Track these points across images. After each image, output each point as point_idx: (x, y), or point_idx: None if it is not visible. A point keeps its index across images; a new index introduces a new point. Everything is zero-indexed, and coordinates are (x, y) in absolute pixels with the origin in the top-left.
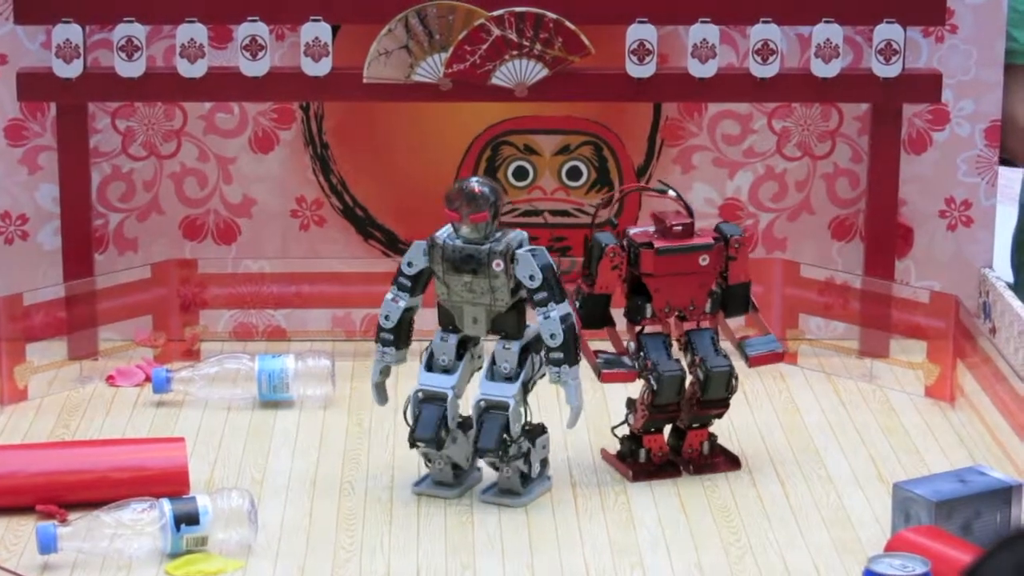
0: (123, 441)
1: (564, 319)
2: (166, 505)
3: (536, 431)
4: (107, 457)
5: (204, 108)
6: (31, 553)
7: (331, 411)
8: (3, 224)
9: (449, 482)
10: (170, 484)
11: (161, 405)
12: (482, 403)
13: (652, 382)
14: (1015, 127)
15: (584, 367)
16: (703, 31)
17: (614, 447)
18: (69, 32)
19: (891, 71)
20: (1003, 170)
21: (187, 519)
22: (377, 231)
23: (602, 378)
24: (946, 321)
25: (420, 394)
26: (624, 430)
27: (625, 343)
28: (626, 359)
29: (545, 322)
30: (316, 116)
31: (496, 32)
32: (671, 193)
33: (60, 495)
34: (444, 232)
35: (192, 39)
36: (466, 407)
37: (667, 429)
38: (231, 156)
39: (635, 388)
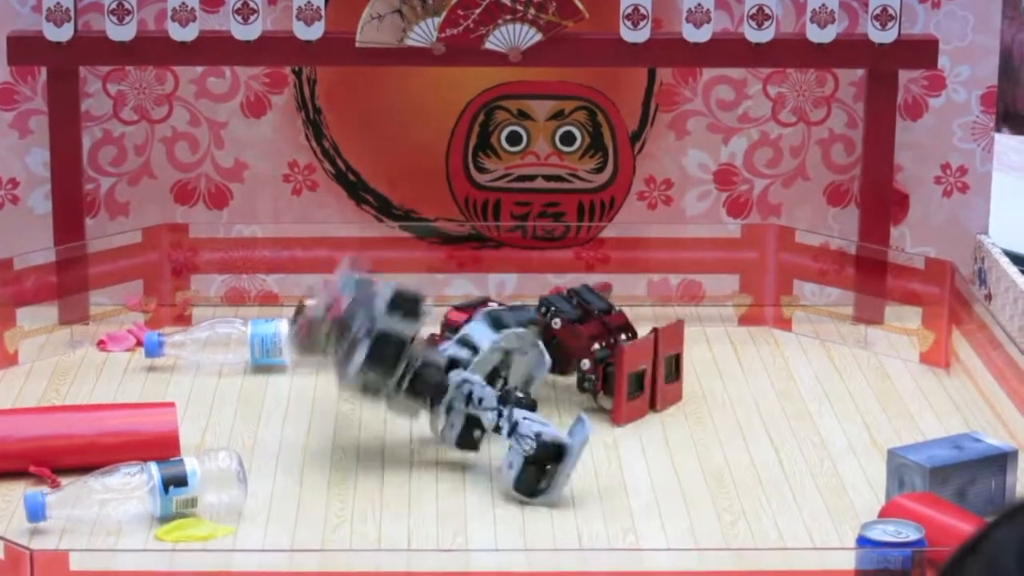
0: (114, 406)
1: None
2: (154, 468)
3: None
4: (97, 422)
5: (195, 72)
6: (20, 518)
7: (323, 376)
8: None
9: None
10: (161, 449)
11: (152, 370)
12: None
13: None
14: None
15: None
16: None
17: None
18: None
19: (887, 36)
20: (999, 137)
21: (175, 481)
22: (369, 196)
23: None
24: (941, 287)
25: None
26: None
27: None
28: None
29: None
30: (308, 80)
31: None
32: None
33: (50, 460)
34: None
35: (183, 3)
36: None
37: None
38: (223, 120)
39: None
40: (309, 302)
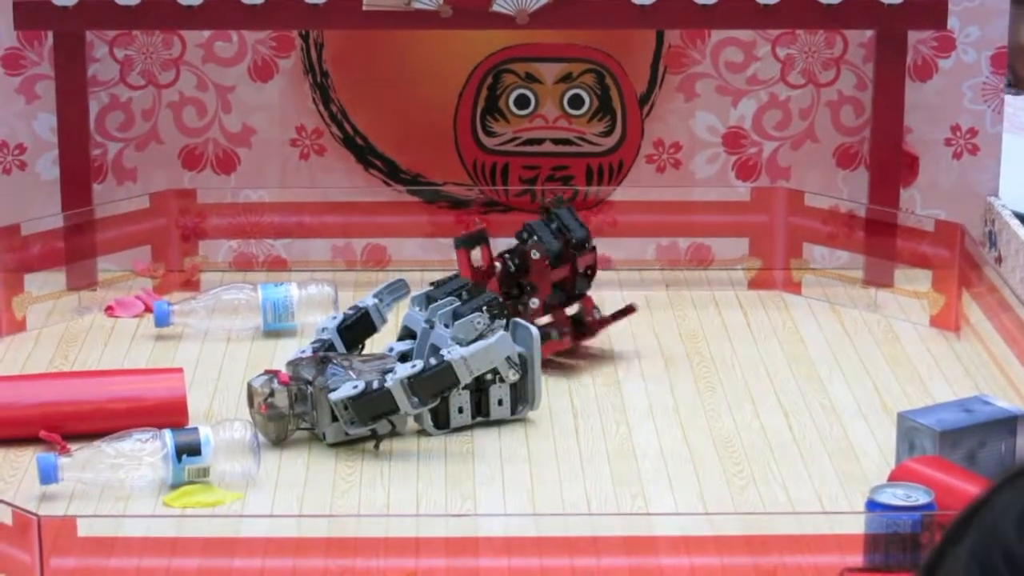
0: (121, 372)
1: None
2: (167, 436)
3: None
4: (105, 388)
5: (203, 36)
6: (28, 484)
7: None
8: (1, 154)
9: None
10: (169, 415)
11: (161, 336)
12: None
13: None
14: None
15: None
16: None
17: None
18: None
19: None
20: (1010, 98)
21: (188, 449)
22: (378, 160)
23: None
24: (951, 250)
25: None
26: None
27: None
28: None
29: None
30: (316, 44)
31: None
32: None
33: (58, 426)
34: None
35: None
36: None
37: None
38: (230, 85)
39: None
40: (255, 383)
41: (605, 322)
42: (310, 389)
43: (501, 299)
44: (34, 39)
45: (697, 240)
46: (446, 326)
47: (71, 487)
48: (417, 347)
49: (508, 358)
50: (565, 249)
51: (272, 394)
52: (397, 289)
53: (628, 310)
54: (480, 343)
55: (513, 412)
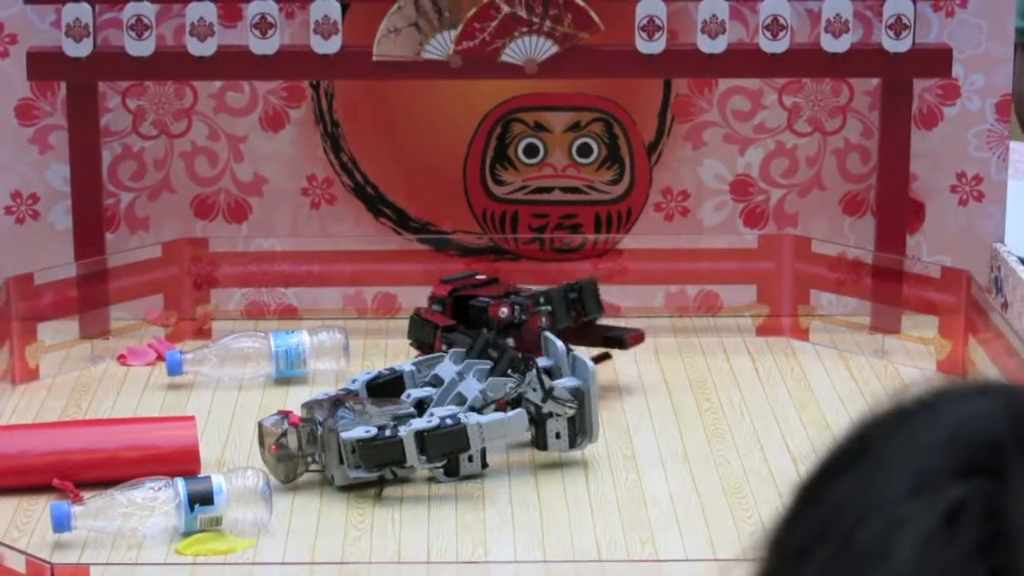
0: (133, 420)
1: None
2: (180, 484)
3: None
4: (117, 436)
5: (214, 87)
6: (42, 532)
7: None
8: (14, 204)
9: None
10: (181, 463)
11: (172, 384)
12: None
13: None
14: None
15: None
16: (712, 6)
17: None
18: (79, 11)
19: (901, 46)
20: (1015, 145)
21: (201, 498)
22: (388, 209)
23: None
24: (957, 296)
25: None
26: None
27: None
28: None
29: None
30: (326, 94)
31: (505, 9)
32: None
33: (71, 474)
34: None
35: (202, 17)
36: None
37: None
38: (241, 134)
39: None
40: (266, 423)
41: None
42: (320, 430)
43: (531, 361)
44: (47, 90)
45: (705, 287)
46: (477, 380)
47: (84, 535)
48: (441, 394)
49: (566, 391)
50: (573, 327)
51: (284, 435)
52: (436, 362)
53: (603, 357)
54: (497, 415)
55: (572, 446)
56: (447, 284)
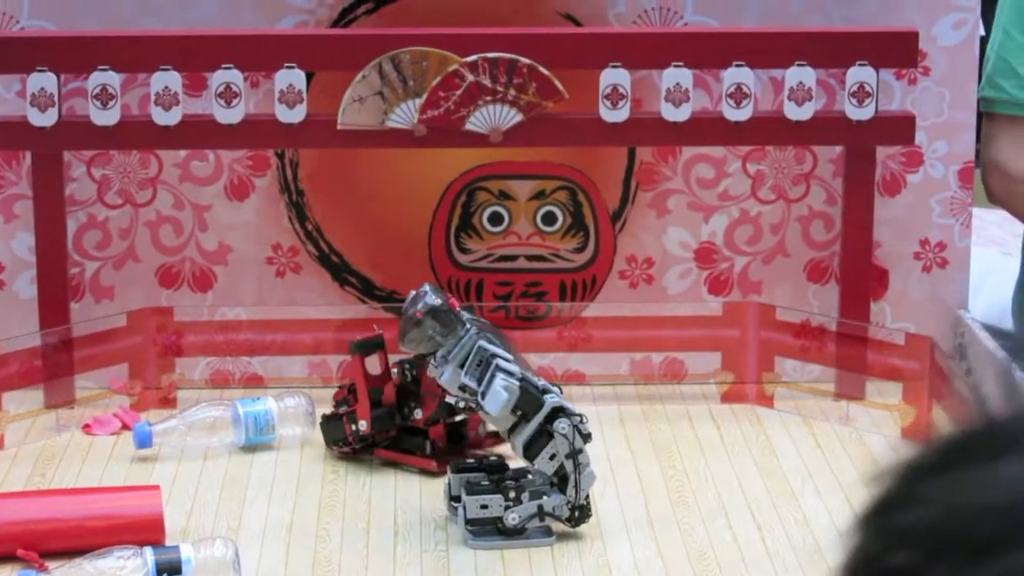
0: (98, 489)
1: None
2: (149, 554)
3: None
4: (82, 505)
5: (179, 156)
6: None
7: (307, 456)
8: None
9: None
10: (146, 532)
11: (138, 454)
12: None
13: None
14: (1002, 175)
15: None
16: (676, 75)
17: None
18: (44, 80)
19: (864, 113)
20: (977, 211)
21: (169, 568)
22: (353, 277)
23: None
24: (922, 363)
25: None
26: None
27: None
28: None
29: None
30: (291, 163)
31: (470, 78)
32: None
33: (35, 543)
34: None
35: (167, 87)
36: None
37: None
38: (206, 203)
39: None
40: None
41: (485, 443)
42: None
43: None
44: (12, 159)
45: (670, 355)
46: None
47: None
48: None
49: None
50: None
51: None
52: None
53: None
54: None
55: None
56: (343, 388)
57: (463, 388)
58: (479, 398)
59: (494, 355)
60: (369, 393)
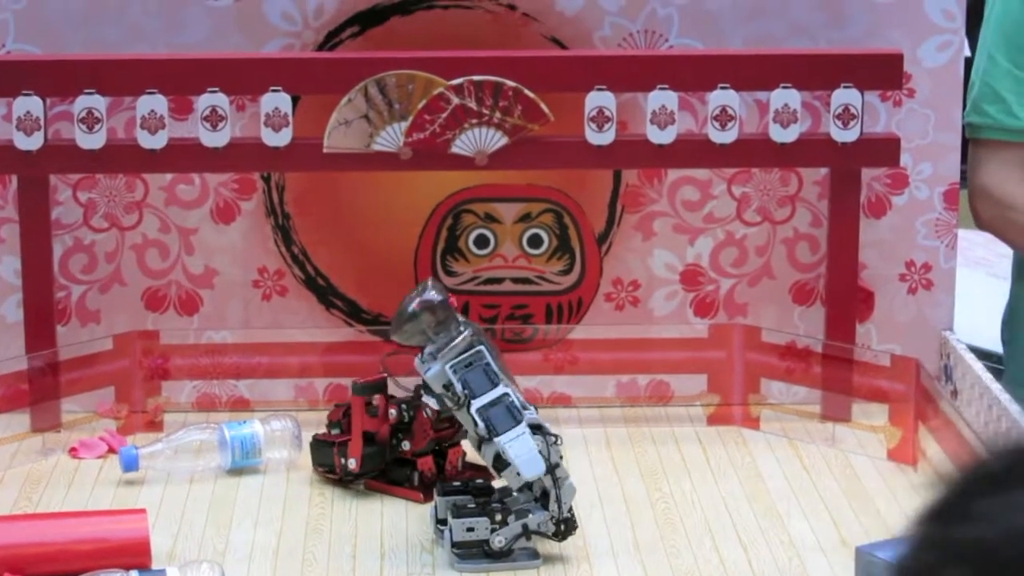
0: (84, 513)
1: None
2: None
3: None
4: (69, 529)
5: (165, 179)
6: None
7: (294, 480)
8: None
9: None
10: (132, 556)
11: (124, 478)
12: None
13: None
14: (989, 201)
15: None
16: (662, 98)
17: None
18: (30, 104)
19: (849, 135)
20: (963, 232)
21: None
22: (339, 300)
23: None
24: (907, 384)
25: None
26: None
27: None
28: None
29: None
30: (277, 186)
31: (455, 101)
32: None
33: (22, 567)
34: None
35: (153, 110)
36: None
37: None
38: (192, 227)
39: None
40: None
41: (461, 475)
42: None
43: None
44: None
45: (656, 377)
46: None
47: None
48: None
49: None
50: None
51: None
52: None
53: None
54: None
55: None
56: (339, 408)
57: (447, 387)
58: (459, 402)
59: (488, 364)
60: (363, 434)
